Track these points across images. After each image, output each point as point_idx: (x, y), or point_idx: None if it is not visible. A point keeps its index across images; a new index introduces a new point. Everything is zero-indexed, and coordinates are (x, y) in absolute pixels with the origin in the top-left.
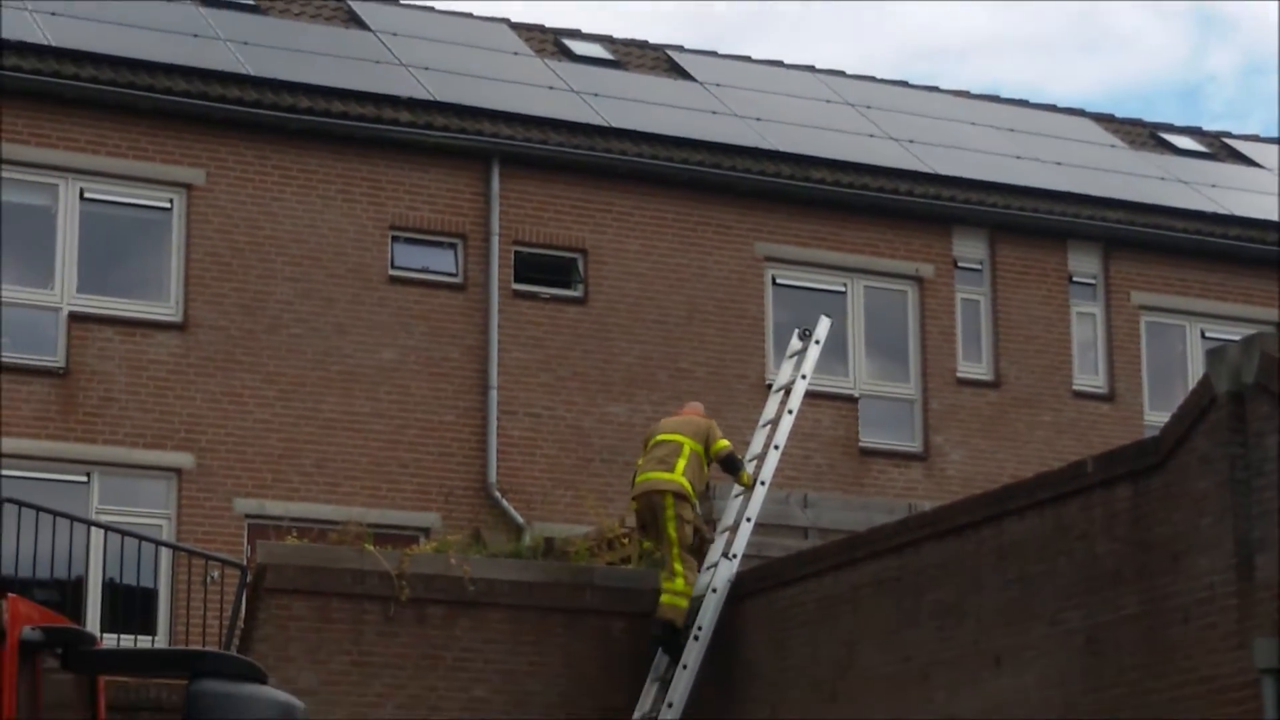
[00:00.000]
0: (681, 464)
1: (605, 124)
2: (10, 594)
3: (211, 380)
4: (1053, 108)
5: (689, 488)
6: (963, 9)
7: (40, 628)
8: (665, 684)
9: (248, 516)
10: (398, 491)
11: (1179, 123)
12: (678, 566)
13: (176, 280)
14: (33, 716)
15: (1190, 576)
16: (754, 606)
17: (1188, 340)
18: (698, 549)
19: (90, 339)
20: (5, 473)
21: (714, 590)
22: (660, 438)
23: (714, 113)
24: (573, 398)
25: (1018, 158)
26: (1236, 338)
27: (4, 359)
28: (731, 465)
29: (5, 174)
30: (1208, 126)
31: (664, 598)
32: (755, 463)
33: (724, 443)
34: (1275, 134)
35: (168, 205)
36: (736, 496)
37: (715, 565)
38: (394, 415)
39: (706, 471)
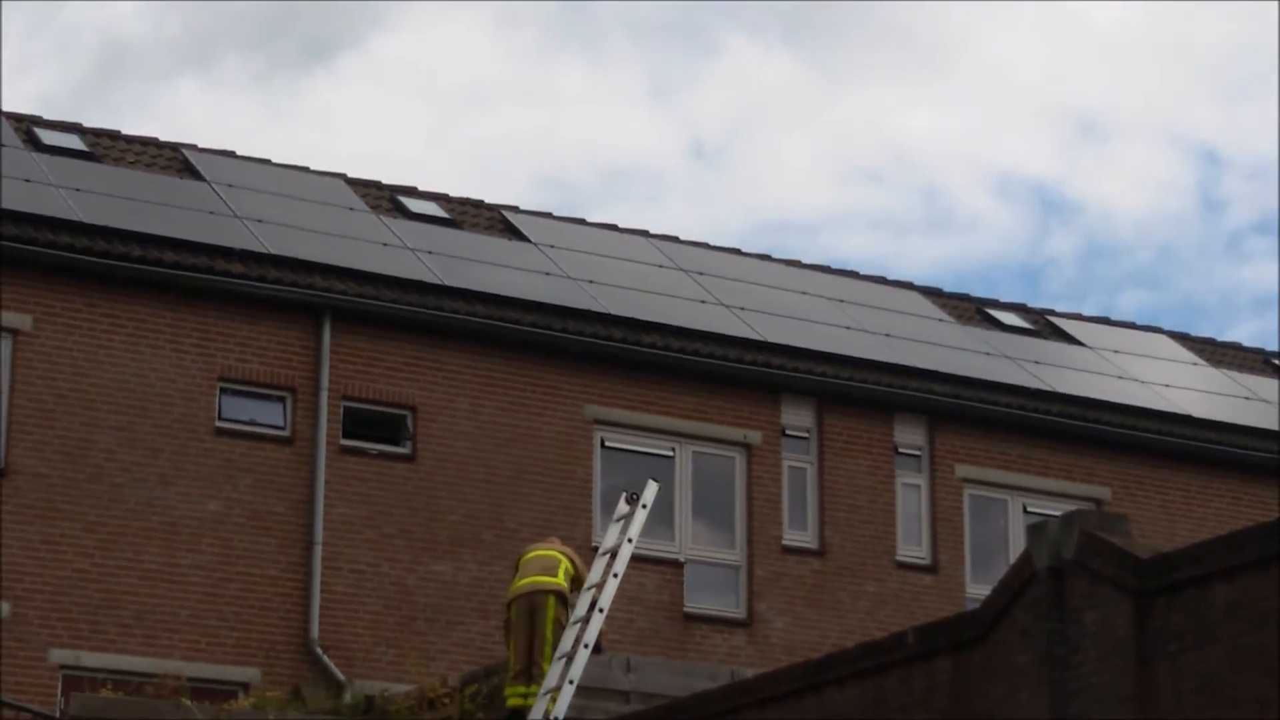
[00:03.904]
0: (561, 573)
1: (439, 282)
2: None
3: (30, 528)
4: (882, 280)
5: (569, 595)
6: (812, 186)
7: None
8: None
9: (63, 667)
10: (217, 645)
11: (1020, 302)
12: (545, 667)
13: None
14: None
15: None
16: None
17: (1009, 514)
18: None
19: None
20: None
21: None
22: (538, 553)
23: (547, 274)
24: (398, 555)
25: (847, 328)
26: (1057, 513)
27: None
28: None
29: None
30: (1034, 304)
31: (513, 700)
32: (580, 625)
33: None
34: (1106, 314)
35: None
36: (575, 623)
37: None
38: (216, 568)
39: (573, 598)
